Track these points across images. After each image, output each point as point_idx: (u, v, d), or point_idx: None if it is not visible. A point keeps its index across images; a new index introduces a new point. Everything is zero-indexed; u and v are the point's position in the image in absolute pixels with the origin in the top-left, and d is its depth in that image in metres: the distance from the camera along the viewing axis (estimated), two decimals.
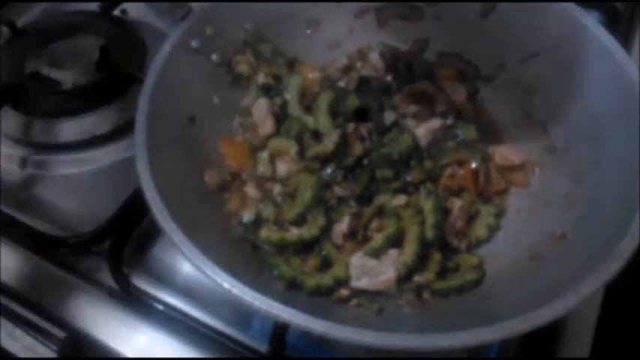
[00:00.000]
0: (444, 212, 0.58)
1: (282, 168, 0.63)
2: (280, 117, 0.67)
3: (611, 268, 0.46)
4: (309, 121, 0.65)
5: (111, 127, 0.75)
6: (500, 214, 0.61)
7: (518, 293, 0.52)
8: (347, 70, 0.70)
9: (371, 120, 0.66)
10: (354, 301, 0.54)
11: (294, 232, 0.58)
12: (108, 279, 0.61)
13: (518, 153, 0.65)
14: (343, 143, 0.63)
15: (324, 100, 0.65)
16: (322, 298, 0.54)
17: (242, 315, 0.59)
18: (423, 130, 0.65)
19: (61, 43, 0.82)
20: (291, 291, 0.53)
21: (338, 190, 0.61)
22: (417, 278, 0.55)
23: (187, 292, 0.61)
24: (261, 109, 0.66)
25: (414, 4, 0.73)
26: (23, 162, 0.74)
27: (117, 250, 0.62)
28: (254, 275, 0.53)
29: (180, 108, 0.62)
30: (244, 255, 0.57)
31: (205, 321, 0.58)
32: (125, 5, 0.89)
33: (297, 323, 0.44)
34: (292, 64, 0.71)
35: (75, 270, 0.63)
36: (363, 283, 0.54)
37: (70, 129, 0.74)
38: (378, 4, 0.74)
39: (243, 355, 0.55)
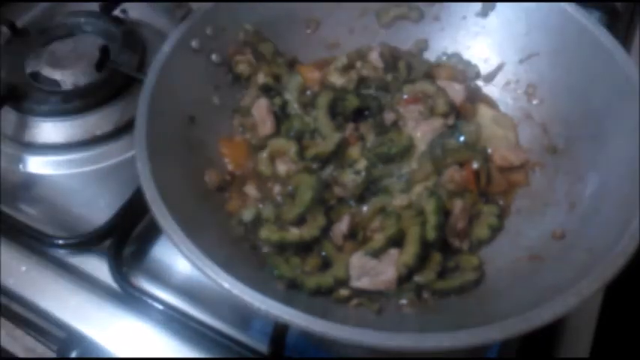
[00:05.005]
0: (445, 213, 0.58)
1: (282, 168, 0.63)
2: (280, 117, 0.67)
3: (611, 268, 0.46)
4: (309, 121, 0.65)
5: (111, 127, 0.75)
6: (502, 215, 0.61)
7: (518, 293, 0.52)
8: (347, 69, 0.70)
9: (370, 120, 0.67)
10: (354, 301, 0.54)
11: (294, 232, 0.58)
12: (108, 279, 0.61)
13: (518, 153, 0.65)
14: (343, 143, 0.63)
15: (323, 100, 0.65)
16: (322, 298, 0.54)
17: (242, 315, 0.59)
18: (423, 130, 0.65)
19: (61, 43, 0.82)
20: (291, 291, 0.54)
21: (338, 190, 0.61)
22: (417, 278, 0.55)
23: (187, 292, 0.61)
24: (261, 109, 0.66)
25: (413, 4, 0.73)
26: (23, 162, 0.74)
27: (117, 250, 0.62)
28: (254, 275, 0.53)
29: (180, 108, 0.62)
30: (244, 255, 0.57)
31: (205, 321, 0.58)
32: (125, 5, 0.89)
33: (297, 323, 0.44)
34: (292, 64, 0.71)
35: (75, 270, 0.63)
36: (363, 282, 0.54)
37: (70, 129, 0.74)
38: (378, 4, 0.74)
39: (243, 355, 0.55)
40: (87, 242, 0.63)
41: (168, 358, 0.57)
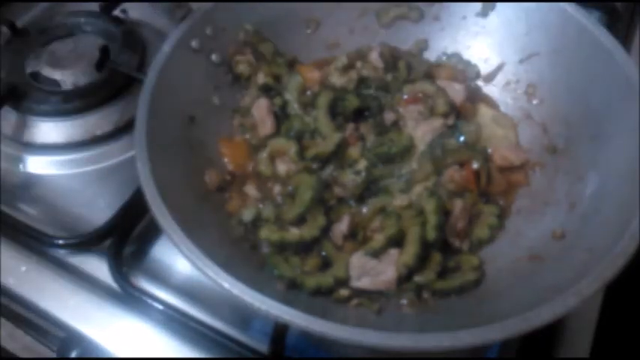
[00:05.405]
0: (445, 213, 0.58)
1: (282, 168, 0.63)
2: (280, 117, 0.67)
3: (611, 268, 0.46)
4: (309, 121, 0.65)
5: (111, 127, 0.75)
6: (502, 215, 0.61)
7: (518, 293, 0.52)
8: (347, 69, 0.70)
9: (370, 120, 0.67)
10: (354, 301, 0.54)
11: (294, 232, 0.58)
12: (108, 279, 0.61)
13: (519, 153, 0.65)
14: (343, 143, 0.63)
15: (323, 100, 0.65)
16: (322, 298, 0.54)
17: (242, 315, 0.59)
18: (423, 130, 0.65)
19: (61, 43, 0.82)
20: (291, 291, 0.54)
21: (338, 190, 0.61)
22: (417, 278, 0.55)
23: (187, 292, 0.61)
24: (261, 109, 0.66)
25: (413, 4, 0.73)
26: (23, 162, 0.74)
27: (117, 250, 0.62)
28: (254, 275, 0.53)
29: (180, 108, 0.62)
30: (244, 255, 0.57)
31: (205, 321, 0.58)
32: (125, 5, 0.89)
33: (297, 323, 0.44)
34: (292, 64, 0.71)
35: (75, 270, 0.63)
36: (363, 282, 0.54)
37: (70, 129, 0.74)
38: (378, 4, 0.74)
39: (243, 355, 0.55)
40: (87, 242, 0.63)
41: (169, 358, 0.57)
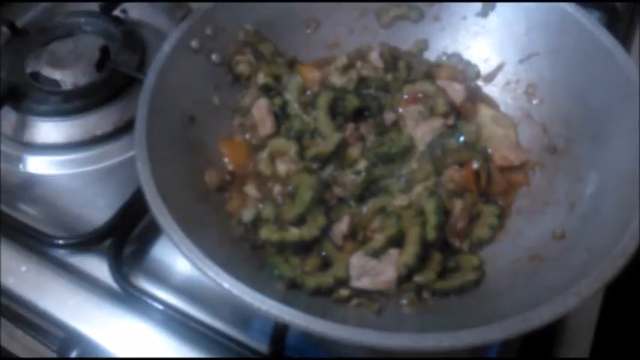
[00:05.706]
0: (445, 213, 0.58)
1: (282, 168, 0.63)
2: (280, 117, 0.67)
3: (611, 268, 0.46)
4: (309, 121, 0.65)
5: (111, 127, 0.75)
6: (502, 215, 0.61)
7: (518, 293, 0.52)
8: (347, 69, 0.70)
9: (370, 120, 0.67)
10: (354, 301, 0.54)
11: (294, 232, 0.58)
12: (108, 279, 0.61)
13: (519, 153, 0.65)
14: (343, 143, 0.63)
15: (323, 100, 0.65)
16: (322, 298, 0.54)
17: (242, 315, 0.59)
18: (423, 130, 0.65)
19: (61, 43, 0.82)
20: (291, 291, 0.54)
21: (338, 190, 0.61)
22: (417, 278, 0.55)
23: (187, 292, 0.61)
24: (261, 109, 0.66)
25: (413, 4, 0.73)
26: (23, 162, 0.74)
27: (117, 250, 0.62)
28: (254, 275, 0.53)
29: (180, 108, 0.62)
30: (244, 255, 0.57)
31: (205, 321, 0.58)
32: (125, 5, 0.89)
33: (297, 323, 0.44)
34: (292, 64, 0.71)
35: (75, 270, 0.63)
36: (363, 282, 0.54)
37: (70, 129, 0.74)
38: (378, 4, 0.74)
39: (243, 355, 0.55)
40: (87, 242, 0.63)
41: (169, 358, 0.57)
